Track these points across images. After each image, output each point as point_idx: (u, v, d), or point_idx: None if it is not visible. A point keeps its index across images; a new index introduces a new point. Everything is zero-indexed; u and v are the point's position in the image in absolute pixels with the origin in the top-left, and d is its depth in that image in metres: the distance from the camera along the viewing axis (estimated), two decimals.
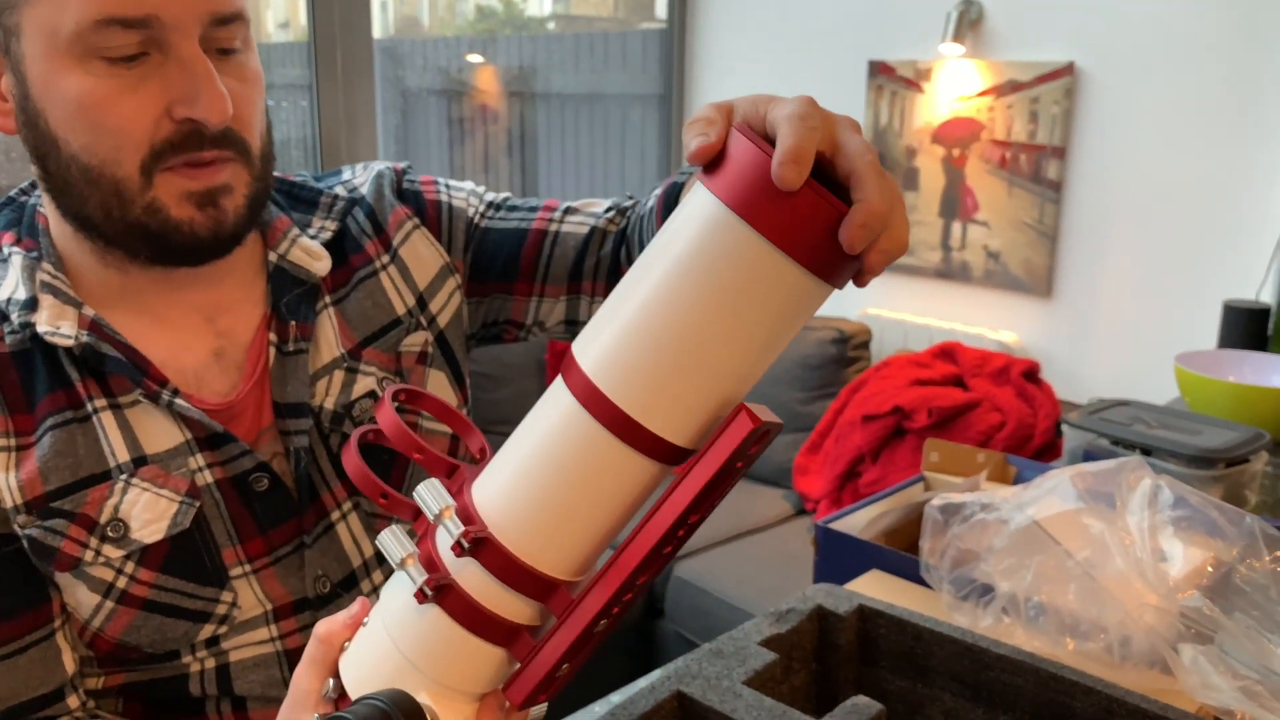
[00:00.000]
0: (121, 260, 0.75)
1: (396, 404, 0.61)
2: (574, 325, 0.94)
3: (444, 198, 0.93)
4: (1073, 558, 0.92)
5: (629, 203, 0.94)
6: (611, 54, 3.64)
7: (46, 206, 0.78)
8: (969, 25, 2.78)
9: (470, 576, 0.55)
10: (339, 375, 0.83)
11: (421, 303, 0.89)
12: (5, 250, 0.77)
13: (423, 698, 0.57)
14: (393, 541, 0.57)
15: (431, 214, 0.92)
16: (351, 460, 0.58)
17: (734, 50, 3.41)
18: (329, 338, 0.84)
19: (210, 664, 0.79)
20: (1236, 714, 0.82)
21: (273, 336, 0.81)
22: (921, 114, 2.96)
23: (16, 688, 0.72)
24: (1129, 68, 2.56)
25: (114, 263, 0.75)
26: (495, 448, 0.61)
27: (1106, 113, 2.62)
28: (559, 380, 0.55)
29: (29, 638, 0.73)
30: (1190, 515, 0.91)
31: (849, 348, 2.88)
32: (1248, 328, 2.05)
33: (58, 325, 0.73)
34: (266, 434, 0.81)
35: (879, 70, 3.02)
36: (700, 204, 0.52)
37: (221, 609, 0.77)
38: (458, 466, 0.60)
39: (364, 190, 0.90)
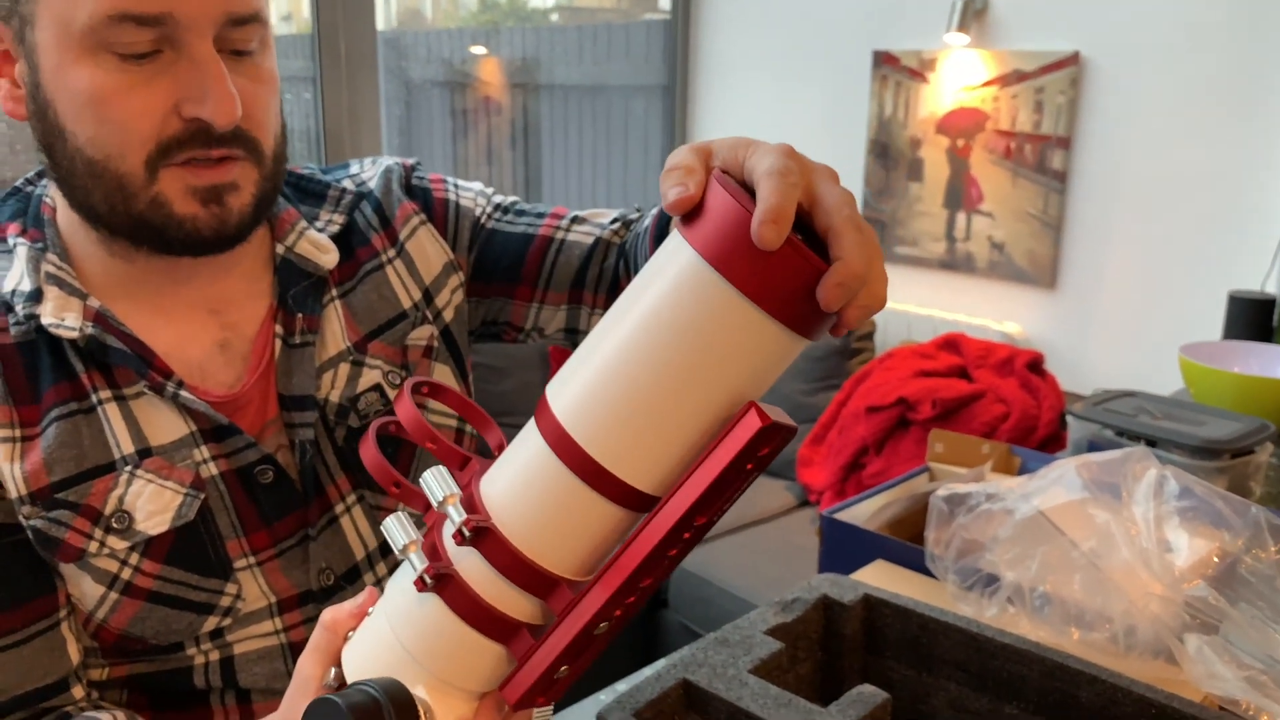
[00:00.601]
0: (127, 249, 0.75)
1: (417, 397, 0.61)
2: (573, 334, 0.94)
3: (452, 196, 0.93)
4: (1078, 548, 0.93)
5: (635, 215, 0.94)
6: (615, 45, 3.63)
7: (53, 196, 0.78)
8: (974, 15, 2.77)
9: (471, 567, 0.55)
10: (345, 368, 0.83)
11: (428, 297, 0.89)
12: (10, 241, 0.77)
13: (419, 691, 0.57)
14: (397, 527, 0.57)
15: (439, 211, 0.91)
16: (369, 451, 0.58)
17: (738, 41, 3.40)
18: (335, 331, 0.84)
19: (215, 656, 0.79)
20: (1241, 704, 0.82)
21: (278, 329, 0.81)
22: (926, 104, 2.95)
23: (21, 677, 0.73)
24: (1135, 57, 2.55)
25: (120, 252, 0.75)
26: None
27: (1112, 103, 2.61)
28: (532, 420, 0.55)
29: (34, 627, 0.73)
30: (1195, 506, 0.91)
31: (853, 339, 2.88)
32: (1253, 319, 2.05)
33: (62, 317, 0.73)
34: (271, 426, 0.81)
35: (883, 60, 3.01)
36: (677, 254, 0.51)
37: (226, 601, 0.77)
38: (470, 459, 0.59)
39: (372, 184, 0.90)
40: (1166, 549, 0.87)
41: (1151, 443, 1.34)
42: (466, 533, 0.54)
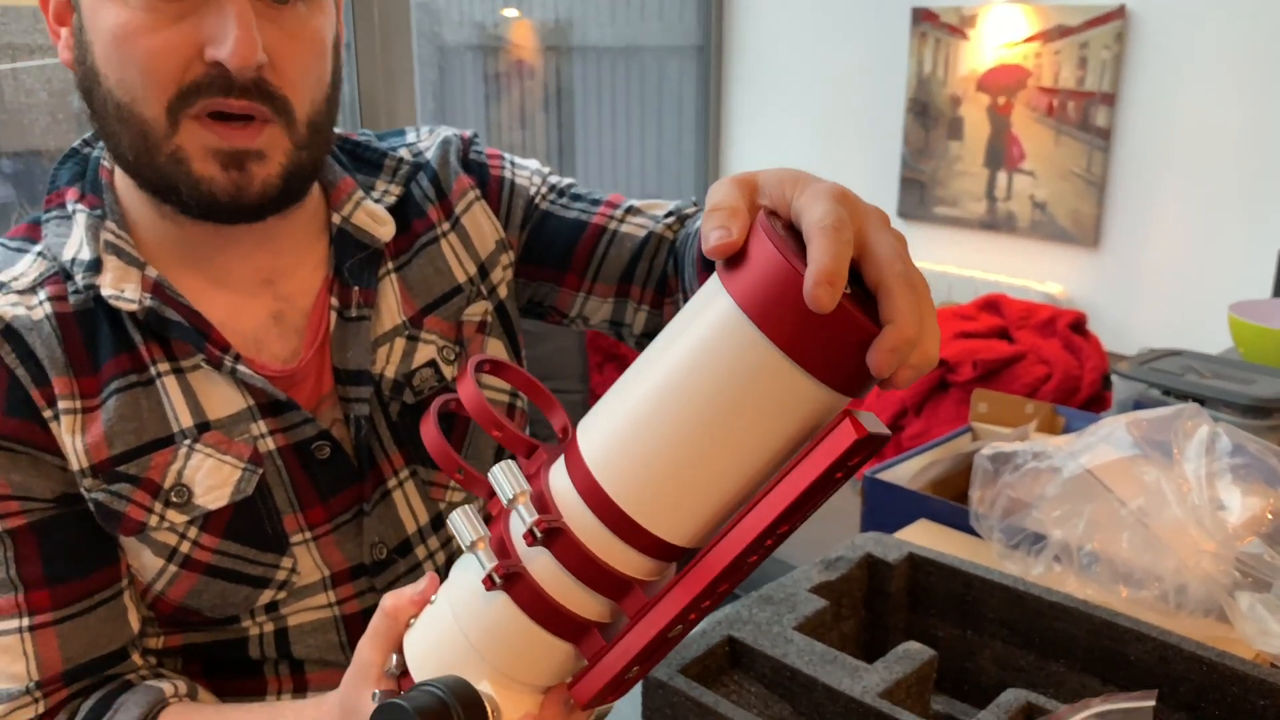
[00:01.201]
0: (173, 212, 0.74)
1: (479, 375, 0.60)
2: (618, 326, 0.93)
3: (507, 174, 0.91)
4: (1126, 506, 0.91)
5: (691, 209, 0.92)
6: (648, 5, 3.60)
7: (111, 158, 0.77)
8: None
9: (541, 567, 0.53)
10: (400, 343, 0.82)
11: (483, 272, 0.88)
12: (69, 207, 0.76)
13: (484, 686, 0.56)
14: (464, 523, 0.55)
15: (493, 188, 0.90)
16: (432, 435, 0.56)
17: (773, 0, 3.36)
18: (390, 305, 0.83)
19: (269, 628, 0.80)
20: None
21: (334, 301, 0.80)
22: (966, 61, 2.90)
23: (87, 646, 0.73)
24: (1182, 9, 2.49)
25: (169, 215, 0.75)
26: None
27: (1158, 57, 2.55)
28: (562, 459, 0.53)
29: (99, 596, 0.74)
30: (1248, 463, 0.90)
31: None
32: None
33: (122, 289, 0.72)
34: (326, 400, 0.80)
35: (923, 17, 2.96)
36: (717, 306, 0.49)
37: (281, 575, 0.78)
38: (537, 446, 0.57)
39: (429, 155, 0.88)
40: (1219, 506, 0.86)
41: (1200, 402, 1.32)
42: (538, 534, 0.52)
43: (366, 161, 0.86)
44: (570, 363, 2.86)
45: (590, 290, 0.91)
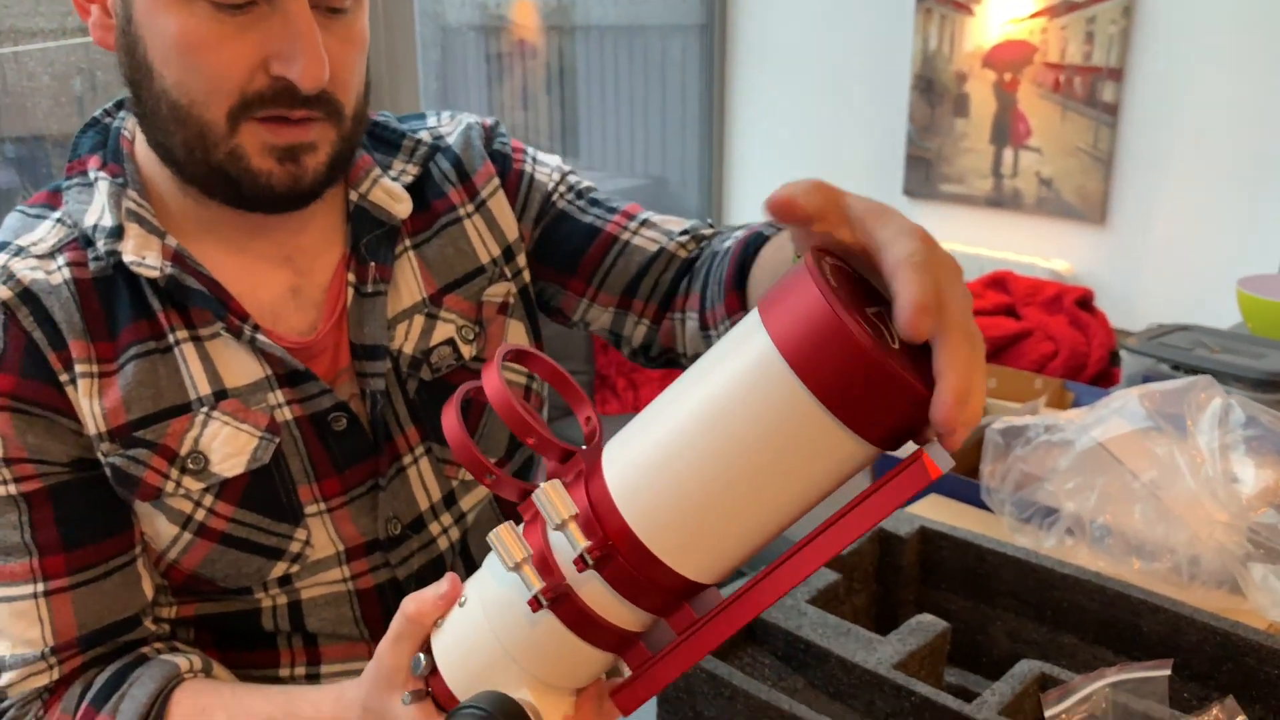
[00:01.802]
0: (199, 195, 0.75)
1: (504, 362, 0.57)
2: (617, 336, 0.93)
3: (528, 168, 0.92)
4: (1138, 479, 0.91)
5: (708, 230, 0.92)
6: None
7: (131, 130, 0.78)
8: None
9: (591, 590, 0.53)
10: (419, 320, 0.83)
11: (508, 254, 0.89)
12: (92, 174, 0.76)
13: (523, 694, 0.56)
14: (509, 542, 0.53)
15: (513, 181, 0.90)
16: (459, 439, 0.55)
17: None
18: (409, 282, 0.83)
19: (282, 601, 0.80)
20: None
21: (351, 277, 0.80)
22: (972, 37, 2.88)
23: (101, 612, 0.74)
24: None
25: (193, 194, 0.75)
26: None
27: (1166, 32, 2.53)
28: (584, 483, 0.52)
29: (113, 562, 0.74)
30: (1262, 435, 0.89)
31: None
32: None
33: (143, 255, 0.72)
34: (343, 375, 0.81)
35: None
36: (755, 345, 0.47)
37: (295, 547, 0.78)
38: (573, 453, 0.55)
39: (451, 140, 0.89)
40: (1232, 478, 0.86)
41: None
42: (589, 560, 0.51)
43: (385, 141, 0.86)
44: (576, 344, 2.86)
45: (594, 298, 0.91)
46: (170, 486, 0.74)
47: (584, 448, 0.56)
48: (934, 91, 3.02)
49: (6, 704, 0.74)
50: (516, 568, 0.53)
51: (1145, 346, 1.43)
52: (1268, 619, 0.84)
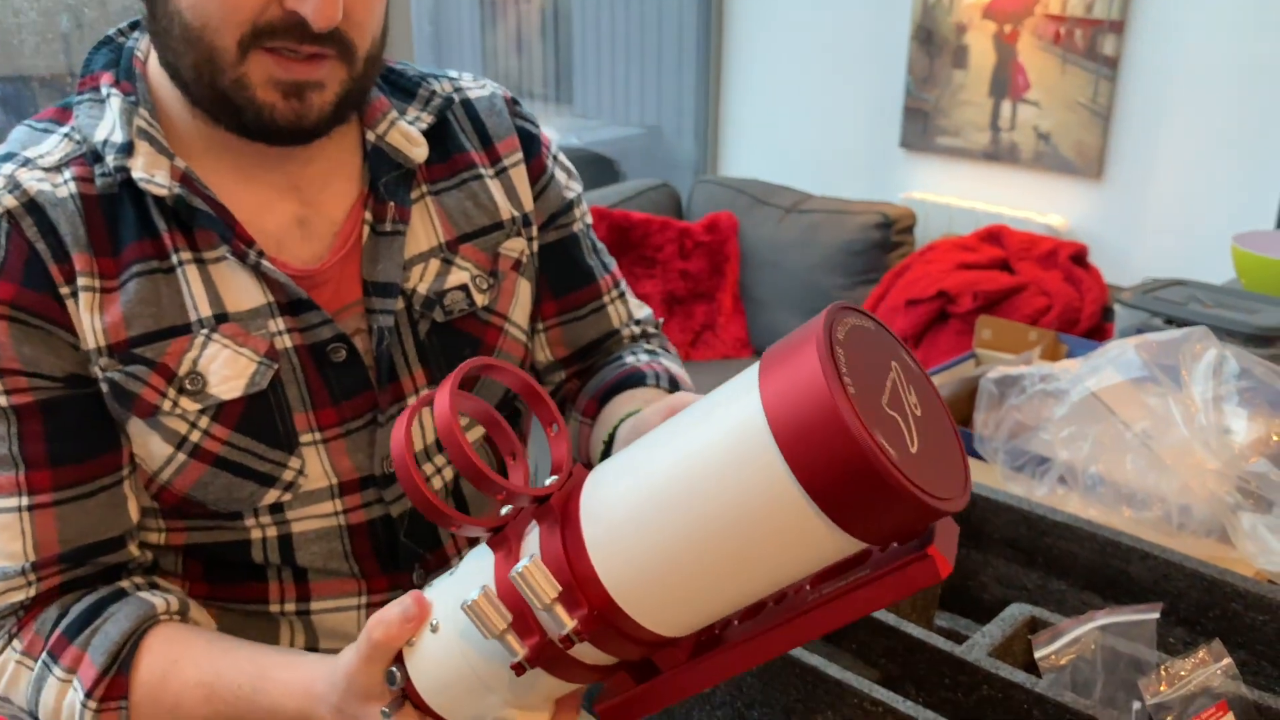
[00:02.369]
0: (207, 119, 0.75)
1: (473, 375, 0.55)
2: (538, 375, 0.95)
3: (551, 166, 0.92)
4: (1131, 429, 0.92)
5: (653, 329, 0.98)
6: None
7: (146, 51, 0.78)
8: None
9: (576, 651, 0.52)
10: (434, 264, 0.83)
11: (526, 220, 0.89)
12: (104, 90, 0.76)
13: (505, 714, 0.56)
14: (485, 617, 0.51)
15: (537, 169, 0.91)
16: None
17: None
18: (427, 226, 0.84)
19: (273, 532, 0.81)
20: None
21: (368, 215, 0.81)
22: None
23: (86, 529, 0.74)
24: None
25: (202, 118, 0.75)
26: None
27: None
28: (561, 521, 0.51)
29: (100, 481, 0.75)
30: (1255, 387, 0.90)
31: (892, 232, 2.83)
32: None
33: (153, 174, 0.73)
34: (352, 309, 0.81)
35: None
36: (747, 419, 0.43)
37: (289, 475, 0.78)
38: (548, 496, 0.53)
39: (473, 96, 0.89)
40: (1225, 429, 0.87)
41: None
42: (576, 640, 0.50)
43: (401, 88, 0.86)
44: None
45: (548, 333, 0.93)
46: (167, 405, 0.74)
47: (555, 482, 0.54)
48: (933, 43, 2.98)
49: None
50: (500, 636, 0.51)
51: (1139, 301, 1.44)
52: (1255, 566, 0.85)
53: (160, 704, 0.72)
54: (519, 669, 0.51)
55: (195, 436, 0.75)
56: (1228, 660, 0.67)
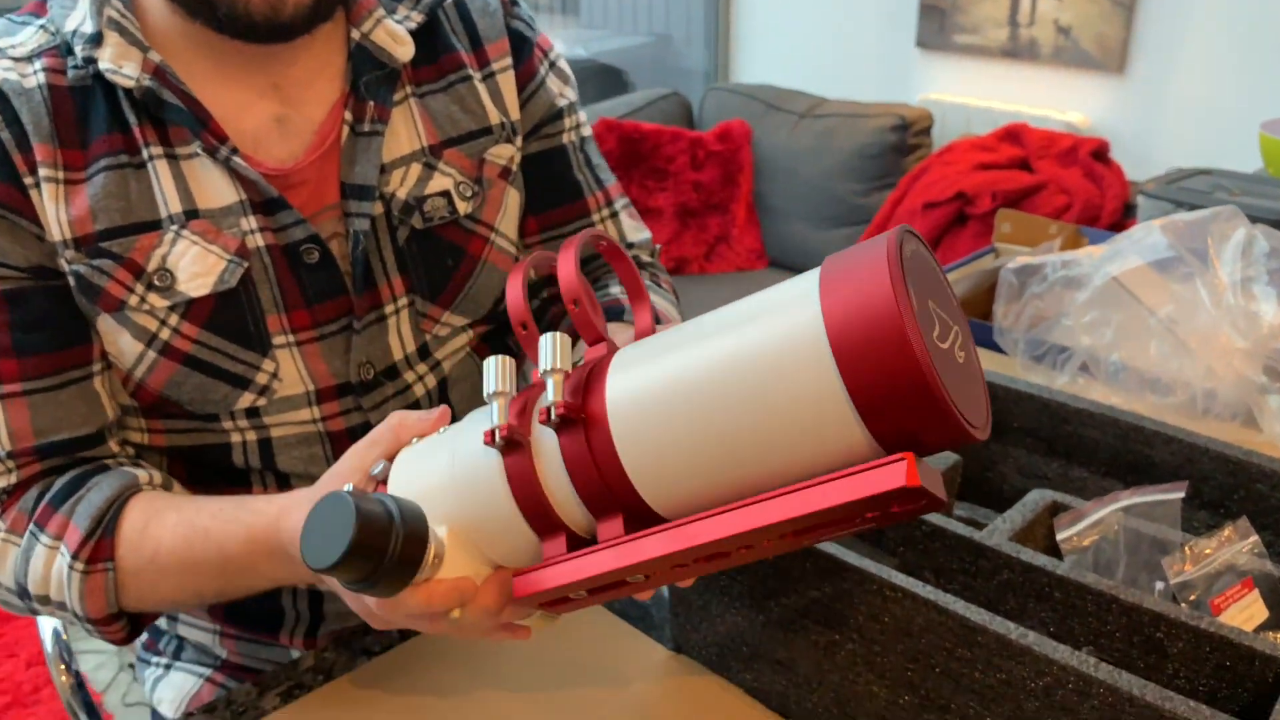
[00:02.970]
0: (184, 14, 0.73)
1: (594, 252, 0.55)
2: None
3: (544, 72, 0.88)
4: (1155, 315, 0.90)
5: (648, 258, 0.94)
6: None
7: None
8: None
9: (544, 449, 0.52)
10: (416, 168, 0.81)
11: (514, 128, 0.86)
12: None
13: (441, 530, 0.55)
14: (496, 371, 0.53)
15: (526, 74, 0.87)
16: (514, 286, 0.54)
17: None
18: (410, 128, 0.81)
19: (252, 437, 0.80)
20: None
21: (348, 115, 0.78)
22: None
23: (59, 421, 0.74)
24: None
25: (180, 13, 0.73)
26: None
27: None
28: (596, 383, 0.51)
29: (69, 374, 0.74)
30: None
31: (909, 135, 2.77)
32: None
33: (120, 65, 0.71)
34: (330, 212, 0.79)
35: None
36: (804, 326, 0.43)
37: (262, 378, 0.78)
38: (605, 340, 0.54)
39: None
40: (1253, 310, 0.84)
41: None
42: (554, 416, 0.50)
43: None
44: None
45: (528, 250, 0.90)
46: (134, 300, 0.73)
47: (614, 341, 0.54)
48: None
49: None
50: (492, 396, 0.52)
51: (1163, 191, 1.40)
52: None
53: (141, 552, 0.72)
54: (489, 436, 0.52)
55: (165, 334, 0.74)
56: (1254, 538, 0.66)
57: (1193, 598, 0.66)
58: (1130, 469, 0.83)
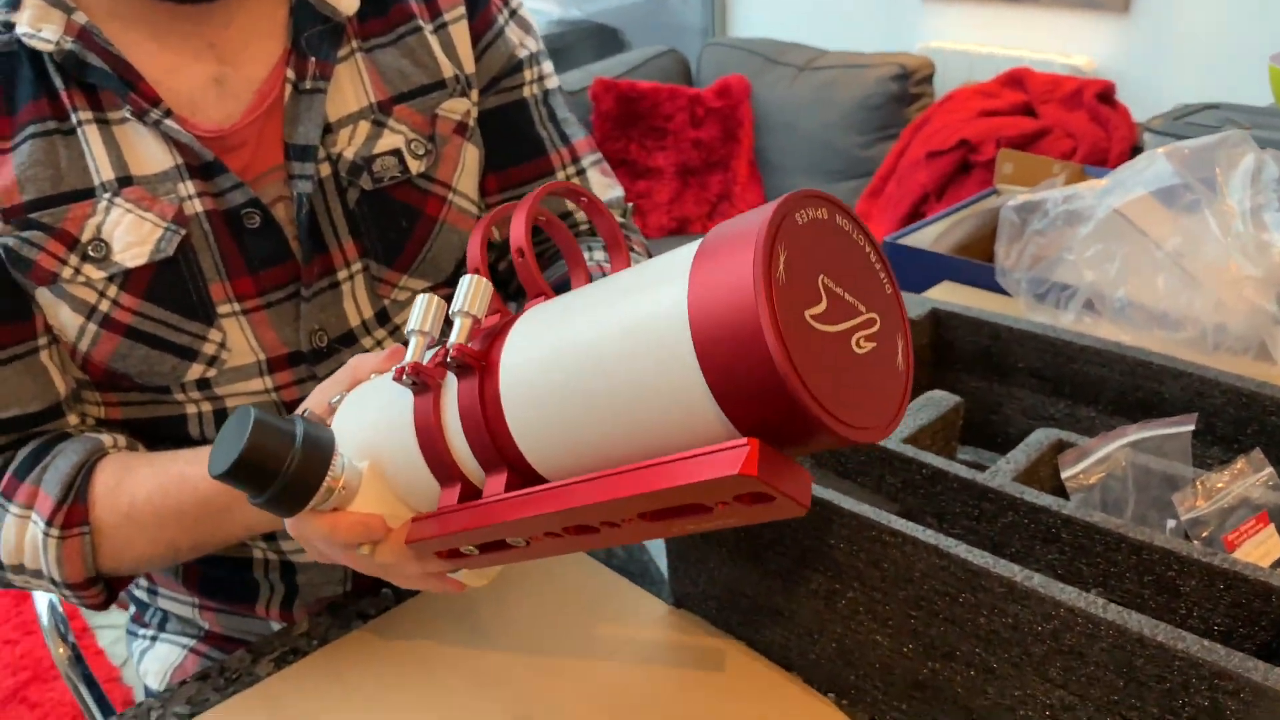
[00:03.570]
0: None
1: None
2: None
3: (502, 21, 0.84)
4: (1161, 248, 0.87)
5: (619, 218, 0.89)
6: None
7: None
8: None
9: (449, 394, 0.52)
10: (364, 126, 0.78)
11: (469, 81, 0.83)
12: None
13: (361, 464, 0.57)
14: (423, 310, 0.54)
15: (481, 24, 0.83)
16: (473, 244, 0.54)
17: None
18: (356, 85, 0.78)
19: (207, 408, 0.78)
20: None
21: (290, 74, 0.75)
22: None
23: (5, 398, 0.73)
24: None
25: None
26: None
27: None
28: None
29: (11, 350, 0.72)
30: None
31: (910, 84, 2.72)
32: None
33: (39, 28, 0.68)
34: (274, 174, 0.76)
35: None
36: (668, 307, 0.41)
37: (210, 349, 0.75)
38: (543, 295, 0.53)
39: None
40: (1264, 238, 0.81)
41: None
42: (450, 359, 0.50)
43: None
44: None
45: (488, 210, 0.86)
46: (68, 272, 0.71)
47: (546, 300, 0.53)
48: None
49: None
50: (412, 334, 0.53)
51: (1170, 127, 1.36)
52: None
53: (117, 508, 0.71)
54: (398, 373, 0.53)
55: (104, 306, 0.72)
56: (1269, 470, 0.63)
57: (1205, 534, 0.63)
58: (1139, 406, 0.80)
